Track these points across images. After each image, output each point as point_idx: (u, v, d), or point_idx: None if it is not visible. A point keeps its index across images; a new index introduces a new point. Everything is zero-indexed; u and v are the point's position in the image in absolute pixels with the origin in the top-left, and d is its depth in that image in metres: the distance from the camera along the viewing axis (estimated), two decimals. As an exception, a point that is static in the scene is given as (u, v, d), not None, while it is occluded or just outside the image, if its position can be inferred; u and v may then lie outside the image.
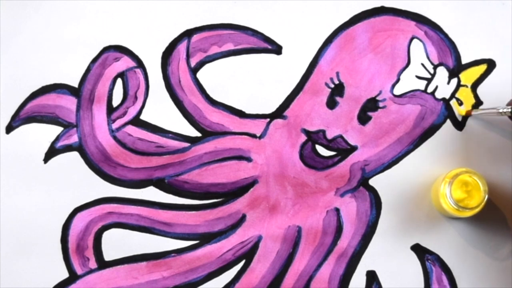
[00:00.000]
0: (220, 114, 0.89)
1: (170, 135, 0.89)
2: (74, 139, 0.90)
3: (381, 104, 0.88)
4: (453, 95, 0.88)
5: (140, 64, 0.91)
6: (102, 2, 0.92)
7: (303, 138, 0.89)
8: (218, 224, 0.88)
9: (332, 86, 0.89)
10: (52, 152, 0.90)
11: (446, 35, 0.89)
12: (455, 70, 0.88)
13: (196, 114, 0.90)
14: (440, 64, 0.89)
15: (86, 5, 0.92)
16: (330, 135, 0.88)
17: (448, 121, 0.88)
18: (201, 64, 0.90)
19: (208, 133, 0.89)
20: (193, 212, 0.88)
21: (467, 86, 0.88)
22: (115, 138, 0.89)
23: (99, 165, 0.89)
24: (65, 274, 0.88)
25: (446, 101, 0.88)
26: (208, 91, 0.90)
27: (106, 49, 0.91)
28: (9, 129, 0.90)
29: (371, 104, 0.88)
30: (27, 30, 0.92)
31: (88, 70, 0.91)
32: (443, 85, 0.88)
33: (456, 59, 0.89)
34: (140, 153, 0.89)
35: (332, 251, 0.87)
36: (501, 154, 0.87)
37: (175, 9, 0.91)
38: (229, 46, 0.90)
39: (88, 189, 0.89)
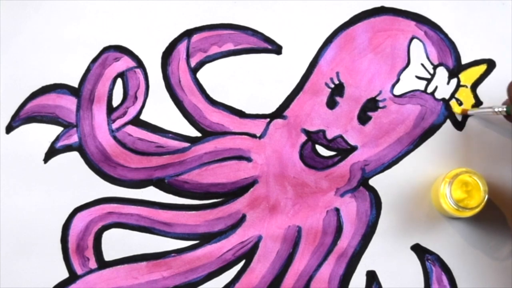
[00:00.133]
0: (220, 114, 0.89)
1: (170, 135, 0.89)
2: (74, 139, 0.90)
3: (381, 104, 0.88)
4: (453, 95, 0.88)
5: (140, 64, 0.91)
6: (102, 2, 0.92)
7: (303, 138, 0.89)
8: (218, 224, 0.88)
9: (332, 86, 0.89)
10: (52, 152, 0.90)
11: (446, 35, 0.89)
12: (455, 70, 0.88)
13: (196, 114, 0.90)
14: (440, 64, 0.89)
15: (86, 5, 0.92)
16: (330, 135, 0.88)
17: (448, 121, 0.88)
18: (201, 64, 0.90)
19: (208, 133, 0.89)
20: (193, 212, 0.88)
21: (466, 86, 0.88)
22: (115, 138, 0.89)
23: (99, 165, 0.89)
24: (65, 274, 0.88)
25: (446, 101, 0.88)
26: (208, 91, 0.90)
27: (106, 49, 0.91)
28: (9, 129, 0.90)
29: (371, 104, 0.88)
30: (27, 30, 0.91)
31: (88, 70, 0.91)
32: (443, 85, 0.88)
33: (456, 59, 0.89)
34: (140, 153, 0.89)
35: (332, 251, 0.87)
36: (501, 154, 0.87)
37: (175, 9, 0.91)
38: (229, 46, 0.90)
39: (88, 189, 0.89)
